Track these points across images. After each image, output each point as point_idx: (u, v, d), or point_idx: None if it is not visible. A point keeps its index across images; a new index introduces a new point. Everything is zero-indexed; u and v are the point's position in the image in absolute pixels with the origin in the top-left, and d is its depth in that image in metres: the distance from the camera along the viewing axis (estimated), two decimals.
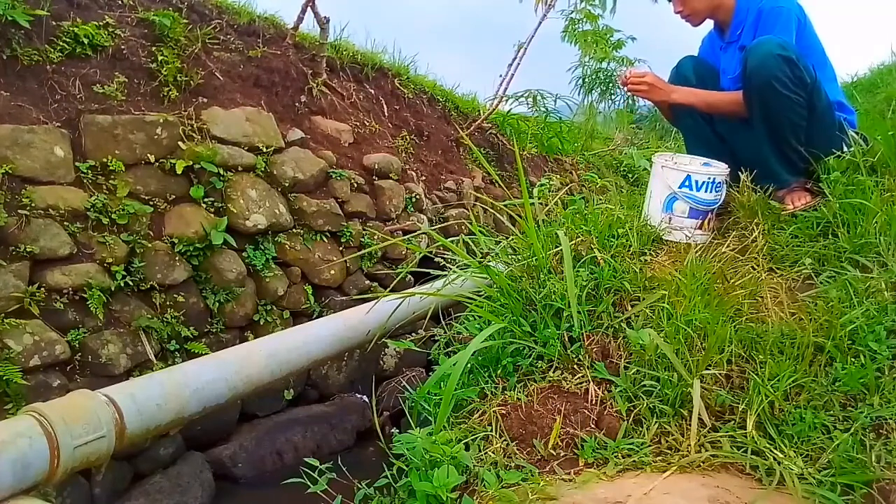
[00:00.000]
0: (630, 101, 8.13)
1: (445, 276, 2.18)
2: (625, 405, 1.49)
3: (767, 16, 2.23)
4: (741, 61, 2.17)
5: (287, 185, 3.28)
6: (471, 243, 2.32)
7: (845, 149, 2.24)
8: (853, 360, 1.45)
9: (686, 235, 2.16)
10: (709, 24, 2.52)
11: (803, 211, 2.11)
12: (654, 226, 2.20)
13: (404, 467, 1.40)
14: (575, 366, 1.63)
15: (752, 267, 1.94)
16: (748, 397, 1.43)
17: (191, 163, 2.85)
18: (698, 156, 2.30)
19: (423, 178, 4.41)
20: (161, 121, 2.82)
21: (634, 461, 1.35)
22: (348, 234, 3.55)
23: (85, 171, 2.57)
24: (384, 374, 3.67)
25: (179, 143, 2.87)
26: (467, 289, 1.98)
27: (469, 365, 1.69)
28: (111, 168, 2.64)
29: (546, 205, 2.59)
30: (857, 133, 2.28)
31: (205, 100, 3.13)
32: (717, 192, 2.17)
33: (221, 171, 2.95)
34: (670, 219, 2.19)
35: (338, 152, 3.71)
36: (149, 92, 2.93)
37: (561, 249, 1.75)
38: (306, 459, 1.45)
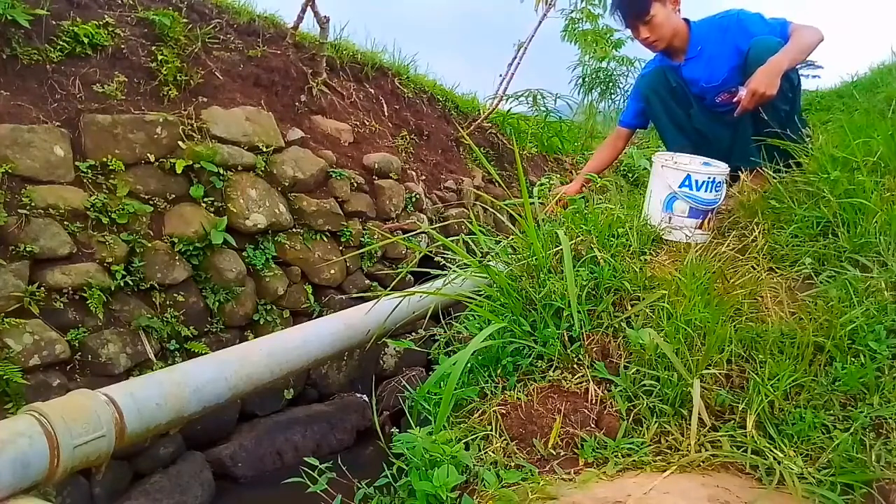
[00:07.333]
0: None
1: (445, 275, 2.18)
2: (624, 405, 1.49)
3: (748, 18, 2.51)
4: (743, 56, 2.44)
5: (287, 184, 3.28)
6: (471, 243, 2.31)
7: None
8: (853, 359, 1.44)
9: (686, 235, 2.16)
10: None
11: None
12: (654, 225, 2.21)
13: (404, 467, 1.40)
14: (575, 365, 1.63)
15: (752, 267, 1.93)
16: (748, 397, 1.43)
17: (191, 162, 2.85)
18: (678, 149, 2.44)
19: (423, 177, 4.40)
20: (161, 120, 2.82)
21: (634, 461, 1.35)
22: (348, 233, 3.55)
23: (85, 170, 2.57)
24: (384, 374, 3.67)
25: (179, 142, 2.87)
26: (467, 288, 1.98)
27: (469, 364, 1.68)
28: (111, 167, 2.65)
29: (546, 204, 2.59)
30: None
31: (205, 99, 3.13)
32: (716, 191, 2.17)
33: (221, 171, 2.96)
34: (670, 218, 2.19)
35: (338, 152, 3.71)
36: (149, 91, 2.93)
37: (561, 249, 1.75)
38: (306, 459, 1.44)
